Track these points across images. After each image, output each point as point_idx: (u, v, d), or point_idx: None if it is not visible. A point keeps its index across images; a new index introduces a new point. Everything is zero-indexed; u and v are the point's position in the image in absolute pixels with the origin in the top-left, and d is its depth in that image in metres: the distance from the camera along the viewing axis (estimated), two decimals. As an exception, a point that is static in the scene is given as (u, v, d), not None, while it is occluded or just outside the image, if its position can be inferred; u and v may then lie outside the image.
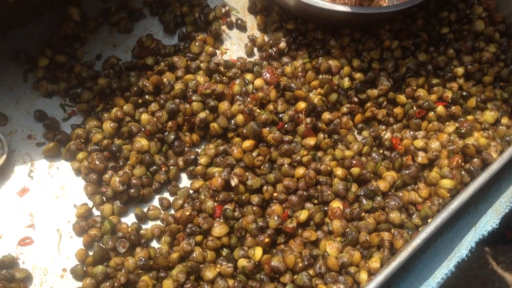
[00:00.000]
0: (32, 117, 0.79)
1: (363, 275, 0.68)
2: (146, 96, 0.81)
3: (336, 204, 0.74)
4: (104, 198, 0.76)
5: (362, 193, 0.75)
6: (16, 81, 0.82)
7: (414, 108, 0.85)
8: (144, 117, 0.80)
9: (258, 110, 0.80)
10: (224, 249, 0.73)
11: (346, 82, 0.86)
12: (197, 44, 0.88)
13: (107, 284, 0.69)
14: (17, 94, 0.81)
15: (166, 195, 0.79)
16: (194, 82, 0.82)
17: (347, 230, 0.72)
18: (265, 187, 0.75)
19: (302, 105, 0.82)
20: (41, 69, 0.82)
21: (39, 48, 0.84)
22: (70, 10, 0.86)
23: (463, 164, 0.77)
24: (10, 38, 0.84)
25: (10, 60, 0.83)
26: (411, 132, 0.84)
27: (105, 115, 0.80)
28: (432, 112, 0.84)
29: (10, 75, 0.82)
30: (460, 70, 0.88)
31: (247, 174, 0.75)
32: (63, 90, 0.81)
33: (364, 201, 0.74)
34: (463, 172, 0.76)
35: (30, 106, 0.80)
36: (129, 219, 0.76)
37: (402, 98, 0.86)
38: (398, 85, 0.88)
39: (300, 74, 0.87)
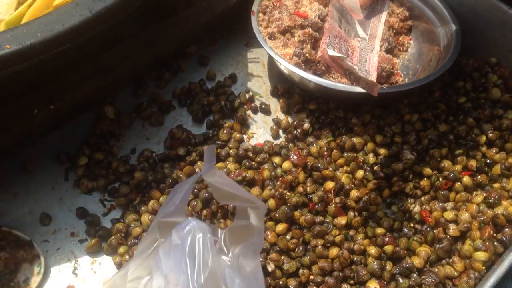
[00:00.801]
0: (74, 214, 0.84)
1: None
2: (181, 187, 0.85)
3: (373, 285, 0.75)
4: (146, 290, 0.78)
5: (397, 271, 0.75)
6: (58, 180, 0.87)
7: (440, 180, 0.87)
8: (180, 207, 0.83)
9: (288, 193, 0.83)
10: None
11: (371, 158, 0.89)
12: (225, 131, 0.93)
13: None
14: (60, 193, 0.86)
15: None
16: (225, 170, 0.86)
17: (386, 309, 0.73)
18: (301, 270, 0.77)
19: (330, 184, 0.84)
20: (81, 167, 0.87)
21: (78, 147, 0.89)
22: (106, 109, 0.93)
23: (495, 234, 0.78)
24: (51, 139, 0.90)
25: (52, 160, 0.88)
26: (440, 204, 0.85)
27: (143, 208, 0.83)
28: (459, 183, 0.85)
29: (52, 175, 0.87)
30: (481, 138, 0.90)
31: (282, 258, 0.77)
32: (102, 186, 0.86)
33: (401, 280, 0.75)
34: (495, 243, 0.77)
35: (72, 204, 0.85)
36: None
37: (427, 170, 0.88)
38: (422, 157, 0.90)
39: (325, 153, 0.90)
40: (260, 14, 0.99)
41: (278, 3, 0.98)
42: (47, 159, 0.88)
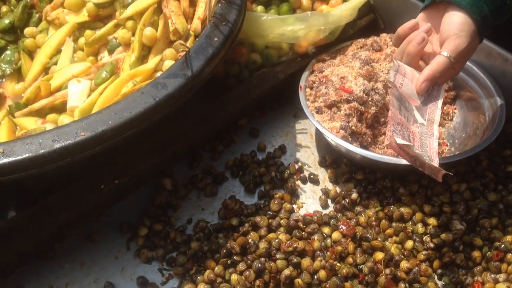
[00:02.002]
0: (135, 283, 0.88)
1: None
2: (234, 257, 0.89)
3: None
4: None
5: None
6: (121, 250, 0.93)
7: (492, 250, 0.87)
8: (234, 277, 0.86)
9: (338, 264, 0.85)
10: None
11: (420, 228, 0.90)
12: (275, 202, 0.97)
13: None
14: (122, 262, 0.91)
15: None
16: (276, 240, 0.89)
17: None
18: None
19: (379, 255, 0.86)
20: (141, 237, 0.93)
21: (139, 218, 0.95)
22: (164, 181, 0.99)
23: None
24: (114, 211, 0.97)
25: (115, 231, 0.95)
26: (492, 275, 0.85)
27: (199, 277, 0.87)
28: (510, 254, 0.85)
29: (115, 245, 0.93)
30: (532, 208, 0.90)
31: (334, 330, 0.79)
32: (161, 256, 0.91)
33: None
34: (553, 318, 0.76)
35: (133, 273, 0.90)
36: None
37: (478, 240, 0.88)
38: (472, 227, 0.91)
39: (374, 223, 0.92)
40: (308, 89, 1.04)
41: (324, 78, 1.03)
42: (110, 229, 0.95)
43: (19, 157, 0.69)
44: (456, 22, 0.78)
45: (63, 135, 0.72)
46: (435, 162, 0.75)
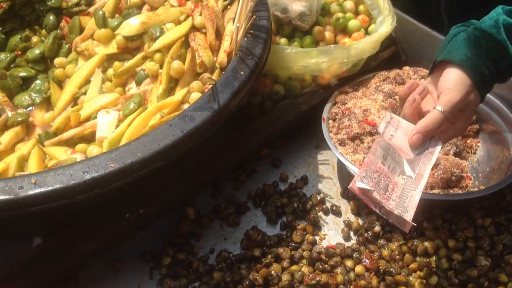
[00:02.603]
0: (157, 314, 0.89)
1: None
2: (257, 289, 0.89)
3: None
4: None
5: None
6: (144, 279, 0.93)
7: (518, 288, 0.85)
8: (256, 309, 0.86)
9: (362, 299, 0.85)
10: None
11: (444, 263, 0.89)
12: (298, 233, 0.97)
13: None
14: (145, 291, 0.92)
15: None
16: (299, 273, 0.89)
17: None
18: None
19: (403, 290, 0.86)
20: (164, 267, 0.93)
21: (162, 247, 0.96)
22: (187, 210, 1.00)
23: None
24: (138, 238, 0.98)
25: (138, 259, 0.95)
26: (519, 314, 0.83)
27: (221, 309, 0.87)
28: (537, 292, 0.84)
29: (138, 274, 0.94)
30: (559, 245, 0.89)
31: None
32: (184, 286, 0.91)
33: None
34: None
35: (155, 302, 0.90)
36: None
37: (503, 277, 0.87)
38: (497, 263, 0.90)
39: (397, 257, 0.92)
40: (330, 121, 1.05)
41: (347, 111, 1.04)
42: (133, 258, 0.95)
43: (50, 188, 0.71)
44: (450, 77, 0.78)
45: (93, 166, 0.73)
46: (410, 214, 0.74)
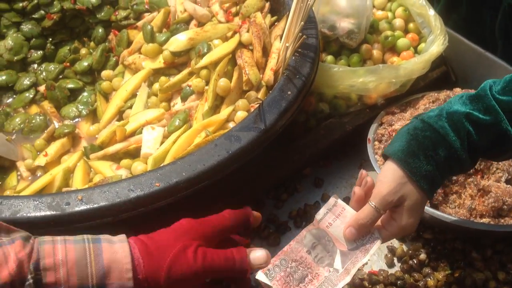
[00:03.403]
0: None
1: None
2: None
3: None
4: None
5: None
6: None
7: None
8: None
9: (406, 331, 0.82)
10: None
11: (494, 297, 0.85)
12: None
13: None
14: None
15: None
16: (341, 300, 0.87)
17: None
18: None
19: (450, 324, 0.82)
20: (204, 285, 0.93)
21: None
22: (227, 228, 0.99)
23: None
24: (177, 255, 0.97)
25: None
26: None
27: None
28: None
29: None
30: None
31: None
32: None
33: None
34: None
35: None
36: None
37: (558, 316, 0.83)
38: (551, 300, 0.85)
39: (443, 287, 0.88)
40: (376, 142, 1.03)
41: (393, 132, 1.01)
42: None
43: (96, 205, 0.71)
44: (384, 169, 0.73)
45: (139, 184, 0.73)
46: None
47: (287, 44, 0.86)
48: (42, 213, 0.70)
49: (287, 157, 1.04)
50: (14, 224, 0.69)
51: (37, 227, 0.70)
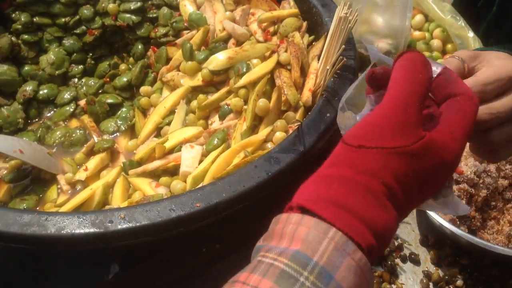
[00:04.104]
0: None
1: None
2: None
3: None
4: None
5: None
6: (215, 314, 0.93)
7: None
8: None
9: None
10: None
11: (534, 329, 0.84)
12: (375, 281, 0.94)
13: None
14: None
15: None
16: (376, 324, 0.86)
17: None
18: None
19: None
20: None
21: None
22: (261, 247, 0.99)
23: None
24: (213, 271, 0.98)
25: (210, 293, 0.95)
26: None
27: None
28: None
29: (210, 308, 0.94)
30: None
31: None
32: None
33: None
34: None
35: None
36: None
37: None
38: None
39: (481, 316, 0.87)
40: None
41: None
42: (206, 291, 0.96)
43: (138, 224, 0.72)
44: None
45: (180, 204, 0.74)
46: None
47: (327, 67, 0.86)
48: (86, 230, 0.71)
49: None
50: (58, 241, 0.71)
51: (81, 244, 0.72)
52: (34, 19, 1.17)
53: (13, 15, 1.17)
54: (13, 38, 1.15)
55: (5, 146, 0.95)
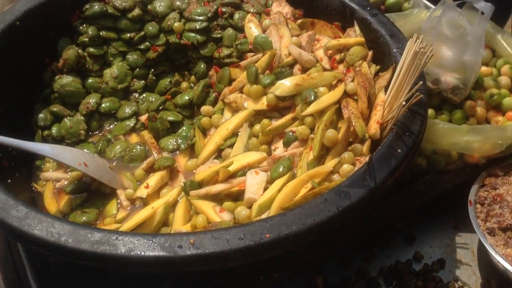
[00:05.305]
0: None
1: None
2: None
3: None
4: None
5: None
6: None
7: None
8: None
9: None
10: None
11: None
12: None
13: None
14: None
15: None
16: None
17: None
18: None
19: None
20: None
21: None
22: (316, 278, 0.97)
23: None
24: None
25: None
26: None
27: None
28: None
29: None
30: None
31: None
32: None
33: None
34: None
35: None
36: None
37: None
38: None
39: None
40: (478, 205, 0.99)
41: (498, 197, 0.97)
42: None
43: (207, 251, 0.71)
44: None
45: (249, 234, 0.73)
46: None
47: (403, 102, 0.84)
48: (155, 253, 0.71)
49: (381, 211, 1.02)
50: (128, 262, 0.71)
51: (150, 267, 0.71)
52: (101, 33, 1.19)
53: (81, 27, 1.19)
54: (80, 51, 1.17)
55: (70, 158, 0.96)
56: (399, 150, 0.85)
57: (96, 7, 1.17)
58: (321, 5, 1.22)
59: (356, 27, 1.13)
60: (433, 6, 1.39)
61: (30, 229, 0.73)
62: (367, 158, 0.83)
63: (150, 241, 0.72)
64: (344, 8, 1.17)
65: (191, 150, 1.09)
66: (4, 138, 0.88)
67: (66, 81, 1.15)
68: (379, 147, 0.86)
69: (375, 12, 1.13)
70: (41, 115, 1.12)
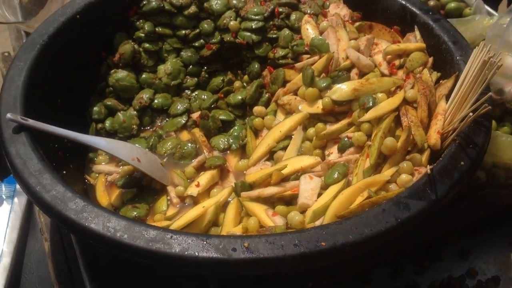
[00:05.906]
0: None
1: None
2: None
3: None
4: None
5: None
6: None
7: None
8: None
9: None
10: None
11: None
12: None
13: None
14: None
15: None
16: None
17: None
18: None
19: None
20: None
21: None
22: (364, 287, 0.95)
23: None
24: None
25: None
26: None
27: None
28: None
29: None
30: None
31: None
32: None
33: None
34: None
35: None
36: None
37: None
38: None
39: None
40: (540, 224, 0.94)
41: None
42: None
43: (261, 256, 0.70)
44: None
45: (304, 241, 0.71)
46: None
47: (470, 113, 0.81)
48: (210, 255, 0.70)
49: (435, 223, 0.98)
50: (182, 261, 0.71)
51: (203, 268, 0.71)
52: (157, 29, 1.20)
53: (137, 23, 1.20)
54: (135, 46, 1.18)
55: (124, 153, 0.97)
56: (462, 163, 0.82)
57: (154, 3, 1.18)
58: (380, 8, 1.18)
59: (417, 32, 1.10)
60: (495, 13, 1.34)
61: (87, 222, 0.73)
62: (427, 169, 0.80)
63: (204, 242, 0.71)
64: (404, 12, 1.14)
65: (242, 151, 1.08)
66: (64, 130, 0.89)
67: (121, 75, 1.16)
68: (440, 158, 0.83)
69: (437, 17, 1.09)
70: (95, 108, 1.13)
